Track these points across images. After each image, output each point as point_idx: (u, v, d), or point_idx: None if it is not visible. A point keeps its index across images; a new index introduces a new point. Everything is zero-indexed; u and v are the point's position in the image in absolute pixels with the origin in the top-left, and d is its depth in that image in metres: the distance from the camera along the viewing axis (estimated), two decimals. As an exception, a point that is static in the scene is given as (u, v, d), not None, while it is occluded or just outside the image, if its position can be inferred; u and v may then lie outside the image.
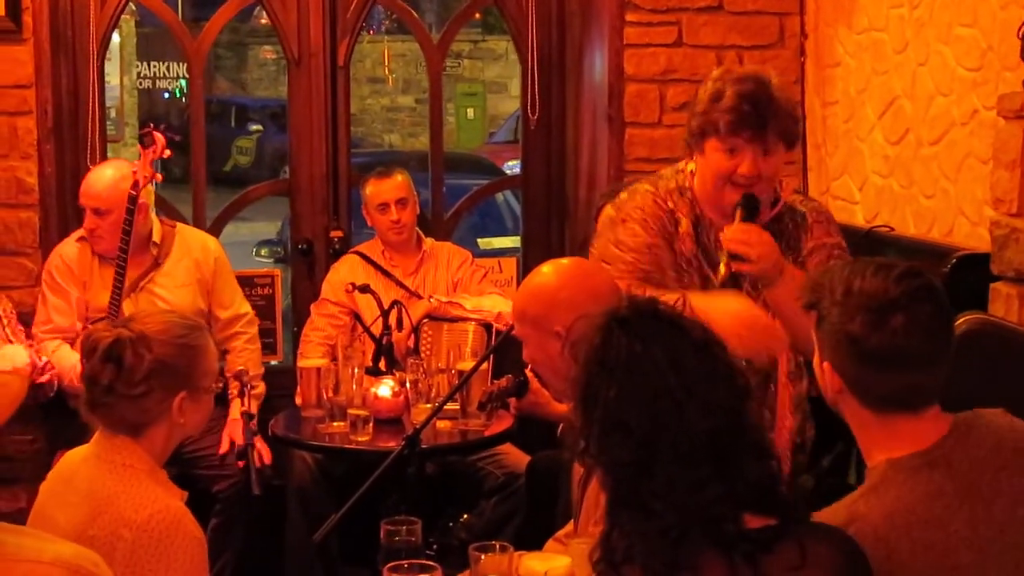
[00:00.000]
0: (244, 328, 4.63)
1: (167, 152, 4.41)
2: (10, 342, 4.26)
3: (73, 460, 2.73)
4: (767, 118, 3.14)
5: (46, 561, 1.73)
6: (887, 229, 4.14)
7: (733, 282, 3.17)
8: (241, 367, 4.17)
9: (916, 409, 2.24)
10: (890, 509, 2.19)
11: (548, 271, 2.93)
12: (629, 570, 1.94)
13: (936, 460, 2.22)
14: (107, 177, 4.42)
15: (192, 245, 4.59)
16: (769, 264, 3.08)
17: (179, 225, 4.69)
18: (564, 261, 3.05)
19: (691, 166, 3.29)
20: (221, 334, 4.50)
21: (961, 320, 2.88)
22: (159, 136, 4.39)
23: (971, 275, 3.45)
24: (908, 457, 2.22)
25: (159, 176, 4.46)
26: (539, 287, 2.89)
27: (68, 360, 4.27)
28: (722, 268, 3.11)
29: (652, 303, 2.14)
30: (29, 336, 4.39)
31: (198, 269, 4.55)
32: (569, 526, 2.92)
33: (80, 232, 4.49)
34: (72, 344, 4.34)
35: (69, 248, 4.48)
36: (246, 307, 4.68)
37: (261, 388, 4.60)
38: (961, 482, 2.21)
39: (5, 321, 4.32)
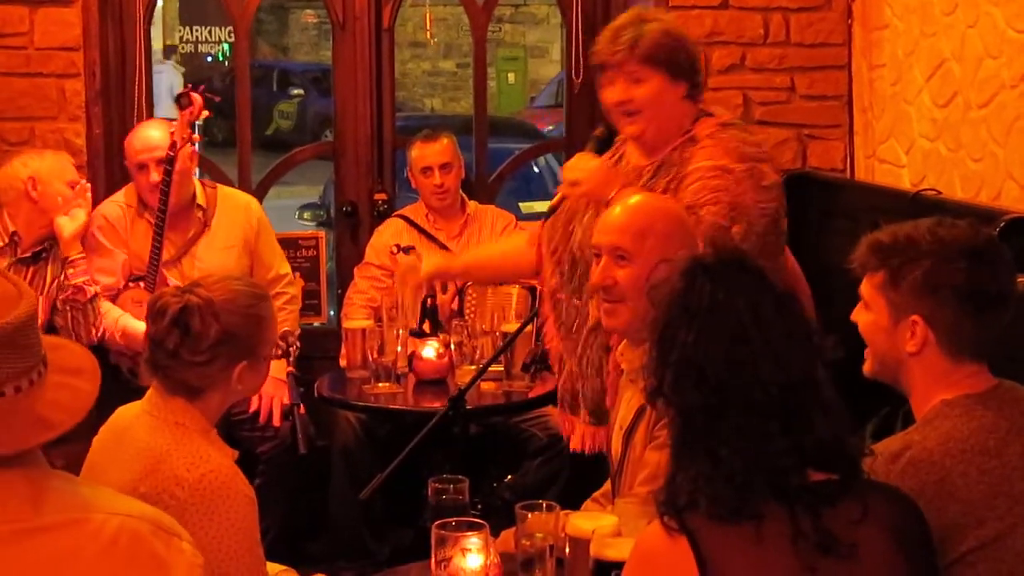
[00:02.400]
0: (284, 288, 4.66)
1: (205, 113, 4.43)
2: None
3: (125, 416, 2.75)
4: (621, 47, 3.29)
5: (135, 515, 1.78)
6: (934, 193, 4.11)
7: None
8: (287, 327, 4.19)
9: (983, 358, 2.35)
10: (945, 437, 2.27)
11: (659, 196, 3.07)
12: (692, 515, 1.95)
13: (988, 401, 2.32)
14: (157, 127, 4.48)
15: (235, 206, 4.63)
16: (594, 185, 3.24)
17: (219, 186, 4.72)
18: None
19: None
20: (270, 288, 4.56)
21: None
22: (196, 97, 4.41)
23: (1020, 238, 3.42)
24: (962, 397, 2.32)
25: (196, 137, 4.48)
26: (668, 209, 2.93)
27: (110, 316, 4.33)
28: (556, 195, 3.42)
29: (738, 252, 2.16)
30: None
31: (242, 230, 4.58)
32: (606, 486, 2.93)
33: (121, 195, 4.52)
34: (113, 301, 4.40)
35: (111, 208, 4.52)
36: (286, 267, 4.72)
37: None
38: (1013, 422, 2.30)
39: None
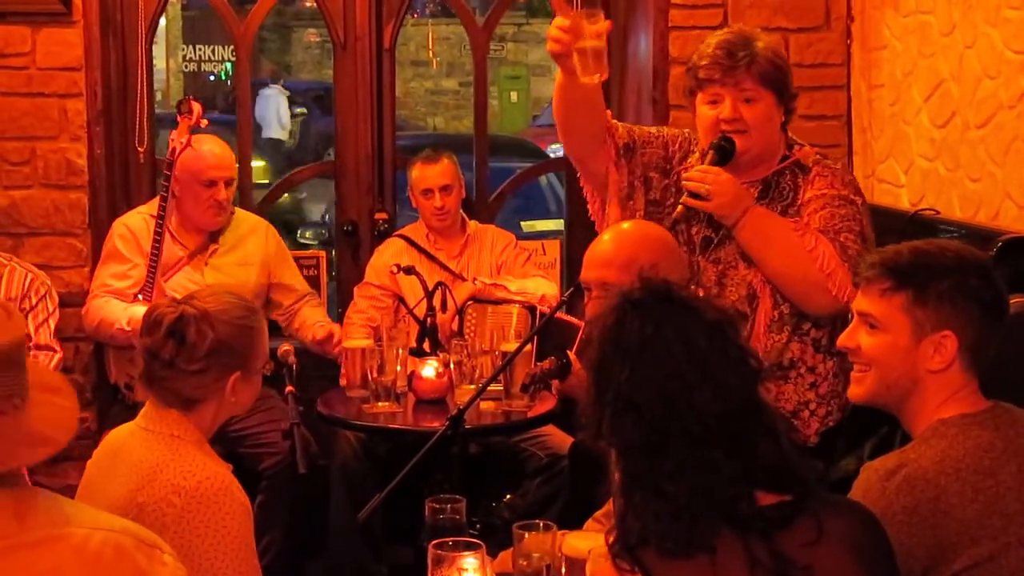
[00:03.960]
0: (311, 296, 4.80)
1: (204, 121, 4.48)
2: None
3: (120, 435, 2.78)
4: (741, 60, 3.22)
5: (117, 530, 1.81)
6: (932, 212, 4.12)
7: (687, 221, 3.28)
8: (286, 347, 4.20)
9: (979, 374, 2.38)
10: (940, 456, 2.29)
11: (646, 224, 3.07)
12: (644, 553, 1.94)
13: (984, 421, 2.34)
14: (223, 146, 4.57)
15: (251, 227, 4.71)
16: (725, 201, 3.15)
17: (236, 209, 4.78)
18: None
19: None
20: (294, 305, 4.70)
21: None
22: (196, 105, 4.48)
23: (1017, 259, 3.43)
24: (958, 417, 2.34)
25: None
26: (656, 238, 2.94)
27: (116, 307, 4.36)
28: (679, 207, 3.21)
29: (665, 285, 2.13)
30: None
31: (260, 251, 4.67)
32: (608, 506, 2.93)
33: (147, 207, 4.52)
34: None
35: (135, 219, 4.54)
36: (307, 286, 4.85)
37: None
38: (1008, 442, 2.31)
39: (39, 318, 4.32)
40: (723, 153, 3.24)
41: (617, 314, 2.07)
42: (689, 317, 2.05)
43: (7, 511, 1.75)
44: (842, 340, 2.53)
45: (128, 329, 4.29)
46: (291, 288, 4.75)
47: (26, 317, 4.21)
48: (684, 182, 3.22)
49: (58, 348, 4.29)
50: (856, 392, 2.51)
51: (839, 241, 3.15)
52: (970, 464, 2.26)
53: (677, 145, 3.43)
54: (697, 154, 3.37)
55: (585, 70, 3.08)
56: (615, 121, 3.42)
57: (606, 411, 2.03)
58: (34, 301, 4.24)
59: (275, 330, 4.42)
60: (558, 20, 3.09)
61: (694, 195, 3.19)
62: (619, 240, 2.92)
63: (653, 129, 3.51)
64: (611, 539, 2.00)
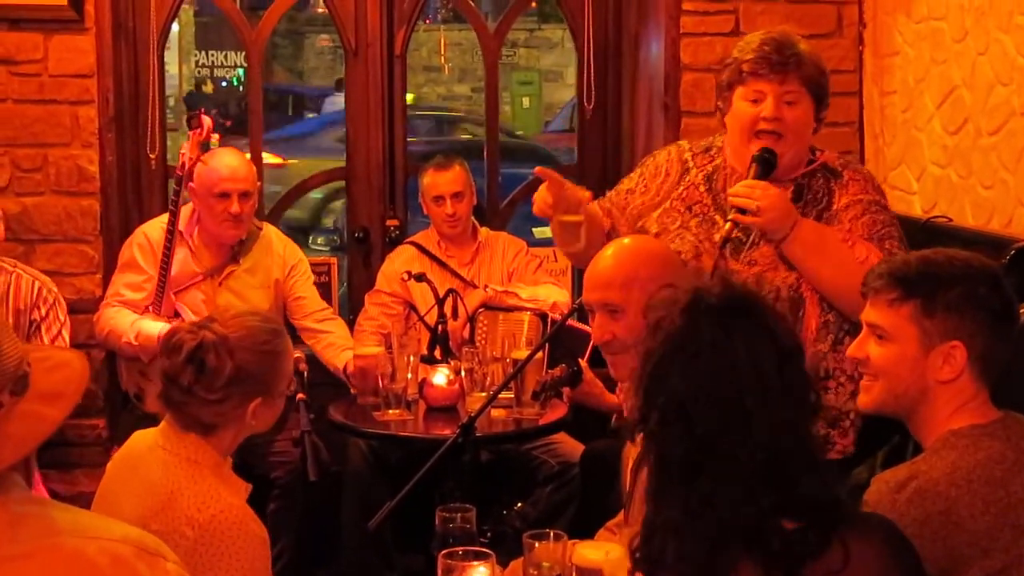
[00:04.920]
0: (334, 317, 4.77)
1: (215, 136, 4.47)
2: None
3: (140, 446, 2.75)
4: (789, 61, 3.17)
5: (116, 539, 1.77)
6: (945, 220, 4.11)
7: (737, 239, 3.20)
8: (298, 354, 4.20)
9: (990, 384, 2.36)
10: (951, 468, 2.27)
11: (644, 239, 3.03)
12: (663, 572, 1.90)
13: (995, 432, 2.32)
14: (240, 158, 4.54)
15: (275, 248, 4.66)
16: (776, 216, 3.09)
17: (267, 226, 4.74)
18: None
19: (720, 139, 3.39)
20: (317, 325, 4.67)
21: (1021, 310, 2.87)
22: (206, 119, 4.47)
23: (1030, 266, 3.42)
24: (968, 427, 2.32)
25: (206, 157, 4.49)
26: (650, 251, 2.90)
27: (125, 319, 4.36)
28: (727, 224, 3.12)
29: (747, 294, 2.03)
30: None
31: (277, 272, 4.63)
32: (620, 515, 2.93)
33: (165, 218, 4.50)
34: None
35: (155, 230, 4.51)
36: (325, 305, 4.80)
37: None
38: (1020, 453, 2.29)
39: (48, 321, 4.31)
40: (766, 165, 3.17)
41: (689, 315, 1.97)
42: (763, 339, 1.95)
43: None
44: (851, 351, 2.52)
45: (135, 343, 4.30)
46: (313, 307, 4.70)
47: (38, 329, 4.22)
48: (731, 198, 3.14)
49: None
50: (864, 401, 2.50)
51: (885, 248, 3.13)
52: (981, 475, 2.25)
53: (664, 174, 3.38)
54: (695, 171, 3.35)
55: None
56: (596, 208, 3.37)
57: (653, 414, 1.95)
58: (44, 311, 4.24)
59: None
60: (543, 192, 3.18)
61: (741, 211, 3.11)
62: (619, 257, 2.88)
63: (631, 180, 3.45)
64: (635, 544, 1.96)
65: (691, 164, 3.36)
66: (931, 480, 2.25)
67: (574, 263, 3.36)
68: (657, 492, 1.95)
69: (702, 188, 3.33)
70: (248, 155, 4.81)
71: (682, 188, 3.34)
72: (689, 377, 1.92)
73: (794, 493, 1.90)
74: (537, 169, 3.12)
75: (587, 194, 3.19)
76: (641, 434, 2.00)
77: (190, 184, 4.46)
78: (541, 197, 3.19)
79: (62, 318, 4.28)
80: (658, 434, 1.95)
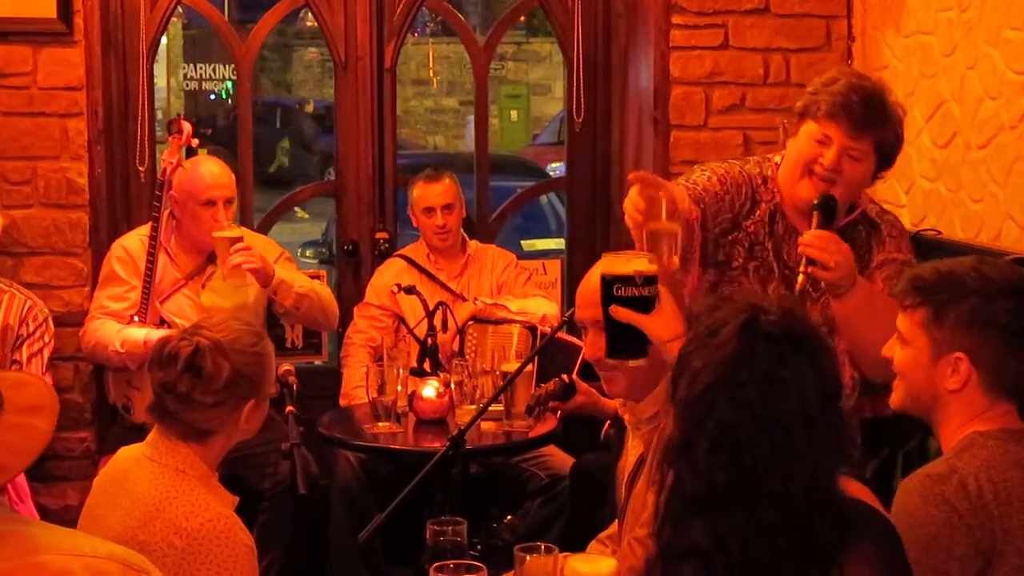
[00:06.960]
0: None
1: (194, 141, 4.50)
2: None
3: (126, 460, 2.75)
4: (870, 118, 3.05)
5: (101, 556, 1.77)
6: (934, 233, 4.12)
7: (811, 288, 3.09)
8: (287, 367, 4.20)
9: (1017, 397, 2.38)
10: (986, 464, 2.30)
11: None
12: None
13: (1023, 438, 2.34)
14: (222, 165, 4.53)
15: (254, 243, 4.62)
16: (845, 272, 2.95)
17: (244, 230, 4.71)
18: None
19: (778, 157, 3.24)
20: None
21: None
22: (186, 124, 4.48)
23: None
24: (997, 431, 2.35)
25: (187, 163, 4.49)
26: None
27: (110, 328, 4.34)
28: (800, 276, 2.97)
29: (804, 324, 1.95)
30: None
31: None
32: (613, 527, 2.92)
33: (145, 228, 4.47)
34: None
35: (132, 242, 4.52)
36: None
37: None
38: None
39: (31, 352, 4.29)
40: (829, 213, 3.03)
41: (744, 337, 1.90)
42: (813, 375, 1.89)
43: None
44: (884, 350, 2.54)
45: (122, 351, 4.29)
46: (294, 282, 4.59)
47: (21, 345, 4.21)
48: (803, 248, 2.98)
49: (48, 381, 4.25)
50: (892, 400, 2.53)
51: None
52: (1014, 476, 2.29)
53: (742, 200, 3.21)
54: (763, 205, 3.20)
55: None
56: (691, 204, 3.00)
57: (702, 440, 1.88)
58: (31, 328, 4.22)
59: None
60: (634, 196, 2.67)
61: (811, 262, 2.95)
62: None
63: (715, 184, 3.17)
64: (652, 544, 1.95)
65: (758, 196, 3.22)
66: (971, 474, 2.28)
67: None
68: (681, 515, 1.91)
69: (765, 230, 3.22)
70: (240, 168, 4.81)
71: (751, 221, 3.22)
72: (741, 405, 1.86)
73: (808, 538, 1.87)
74: (631, 174, 2.66)
75: (686, 199, 2.88)
76: (666, 449, 1.94)
77: (171, 193, 4.45)
78: (632, 203, 2.66)
79: (46, 339, 4.27)
80: (704, 460, 1.88)
